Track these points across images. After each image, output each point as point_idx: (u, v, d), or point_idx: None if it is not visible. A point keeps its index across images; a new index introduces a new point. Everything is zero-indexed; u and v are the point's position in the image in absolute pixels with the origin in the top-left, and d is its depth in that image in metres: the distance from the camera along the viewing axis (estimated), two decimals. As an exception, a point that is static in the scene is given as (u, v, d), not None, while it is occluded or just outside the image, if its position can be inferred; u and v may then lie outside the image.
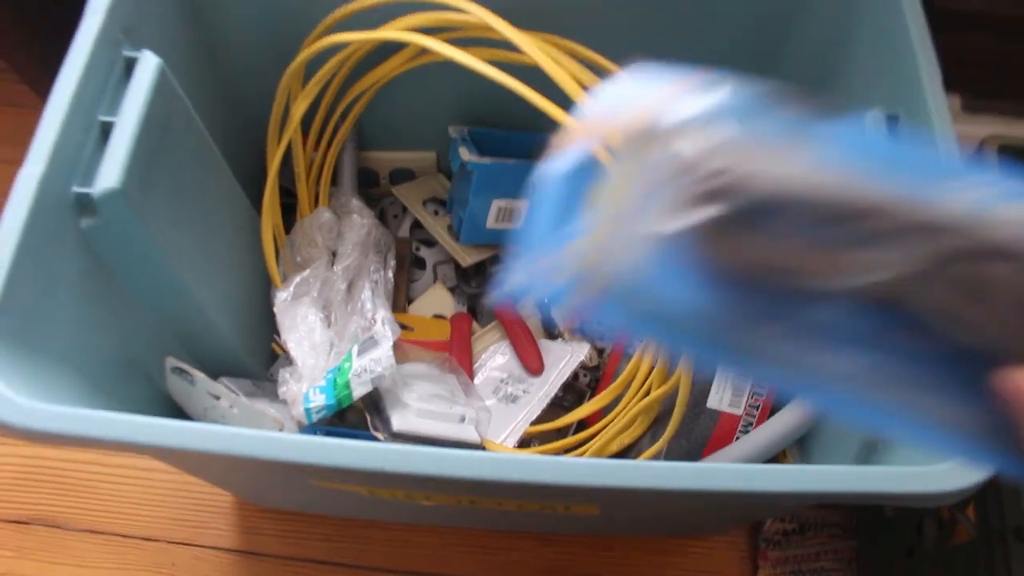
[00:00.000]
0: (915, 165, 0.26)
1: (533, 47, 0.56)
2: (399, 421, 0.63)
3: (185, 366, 0.59)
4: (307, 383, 0.65)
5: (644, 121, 0.26)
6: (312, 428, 0.63)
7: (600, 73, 0.63)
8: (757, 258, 0.24)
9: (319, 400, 0.62)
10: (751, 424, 0.66)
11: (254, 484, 0.66)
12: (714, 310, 0.25)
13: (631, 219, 0.25)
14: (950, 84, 0.89)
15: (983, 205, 0.24)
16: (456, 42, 0.59)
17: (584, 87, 0.57)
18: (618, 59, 0.65)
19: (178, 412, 0.61)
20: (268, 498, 0.72)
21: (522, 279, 0.26)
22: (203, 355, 0.65)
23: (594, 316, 0.26)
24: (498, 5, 0.59)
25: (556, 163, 0.27)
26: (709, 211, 0.24)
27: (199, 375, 0.59)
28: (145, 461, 0.77)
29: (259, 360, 0.72)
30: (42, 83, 0.91)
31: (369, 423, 0.64)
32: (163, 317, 0.60)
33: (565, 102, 0.55)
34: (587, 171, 0.27)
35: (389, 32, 0.60)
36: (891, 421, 0.25)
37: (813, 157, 0.25)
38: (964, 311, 0.23)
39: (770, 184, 0.24)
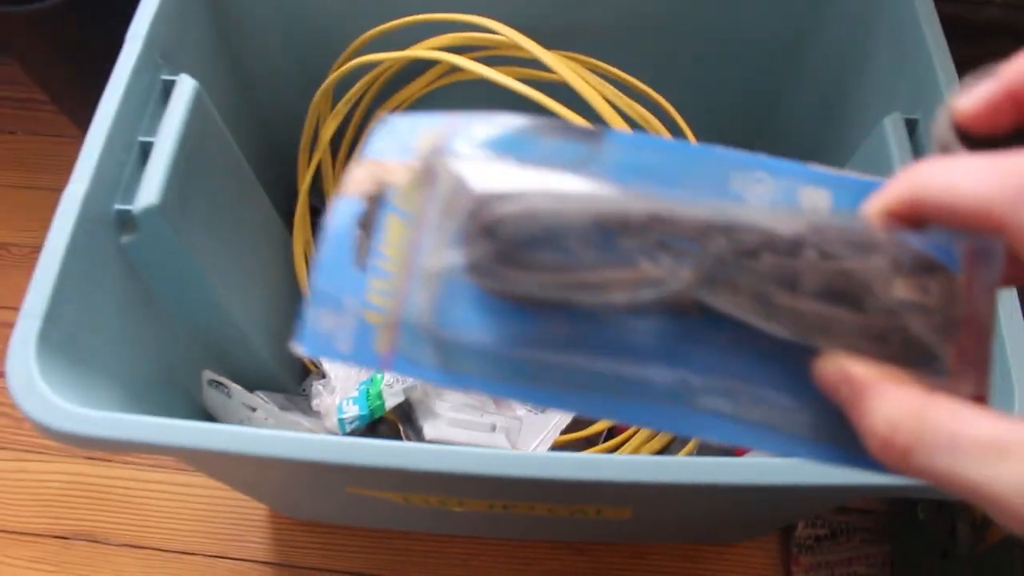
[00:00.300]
0: (701, 166, 0.25)
1: (561, 65, 0.57)
2: (431, 430, 0.64)
3: (222, 379, 0.61)
4: (340, 395, 0.66)
5: (419, 161, 0.26)
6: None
7: (624, 88, 0.65)
8: (543, 284, 0.23)
9: (352, 411, 0.64)
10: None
11: (290, 492, 0.67)
12: (517, 341, 0.24)
13: (416, 261, 0.25)
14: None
15: (767, 199, 0.24)
16: (483, 61, 0.60)
17: (609, 102, 0.59)
18: (640, 74, 0.66)
19: (215, 425, 0.63)
20: (303, 509, 0.73)
21: (321, 333, 0.25)
22: (237, 370, 0.67)
23: (397, 367, 0.24)
24: (524, 25, 0.61)
25: (341, 210, 0.26)
26: (483, 246, 0.23)
27: (235, 387, 0.61)
28: (182, 476, 0.79)
29: (291, 375, 0.74)
30: (81, 113, 0.94)
31: (401, 433, 0.65)
32: (199, 331, 0.62)
33: (593, 117, 0.57)
34: (373, 215, 0.26)
35: (419, 51, 0.62)
36: (732, 431, 0.24)
37: (585, 179, 0.24)
38: (771, 306, 0.23)
39: (540, 212, 0.23)
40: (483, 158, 0.25)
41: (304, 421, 0.66)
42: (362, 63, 0.64)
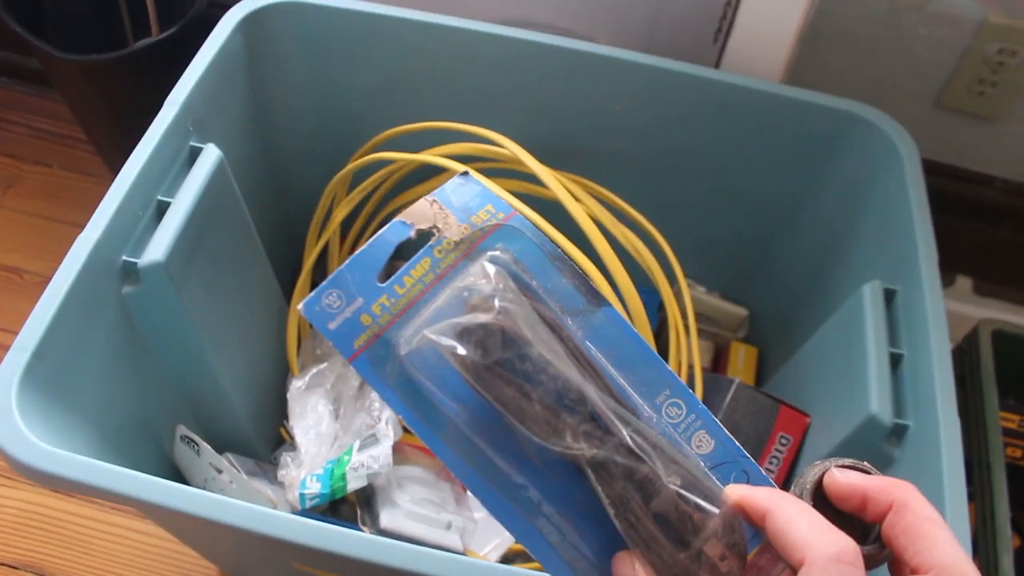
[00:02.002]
0: (649, 369, 0.32)
1: (556, 183, 0.61)
2: (387, 519, 0.64)
3: (194, 436, 0.62)
4: (306, 470, 0.68)
5: (467, 233, 0.31)
6: (304, 514, 0.65)
7: (622, 217, 0.68)
8: (498, 394, 0.29)
9: (314, 488, 0.65)
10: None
11: (239, 558, 0.68)
12: (451, 407, 0.30)
13: (423, 311, 0.30)
14: (964, 267, 0.93)
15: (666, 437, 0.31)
16: (490, 172, 0.64)
17: (601, 227, 0.62)
18: (640, 205, 0.69)
19: (180, 479, 0.64)
20: (251, 575, 0.74)
21: (323, 306, 0.30)
22: (213, 429, 0.68)
23: (358, 365, 0.30)
24: (537, 145, 0.65)
25: (396, 228, 0.31)
26: (468, 351, 0.29)
27: (205, 446, 0.62)
28: (139, 524, 0.79)
29: (265, 442, 0.75)
30: (115, 159, 0.99)
31: (359, 517, 0.66)
32: (182, 387, 0.64)
33: (580, 237, 0.60)
34: (411, 245, 0.32)
35: (430, 156, 0.65)
36: (545, 554, 0.30)
37: (570, 335, 0.31)
38: (625, 505, 0.29)
39: (526, 352, 0.29)
40: (502, 277, 0.31)
41: (268, 490, 0.67)
42: (379, 159, 0.67)
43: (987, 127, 0.84)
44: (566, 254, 0.55)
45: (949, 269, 0.93)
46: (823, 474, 0.31)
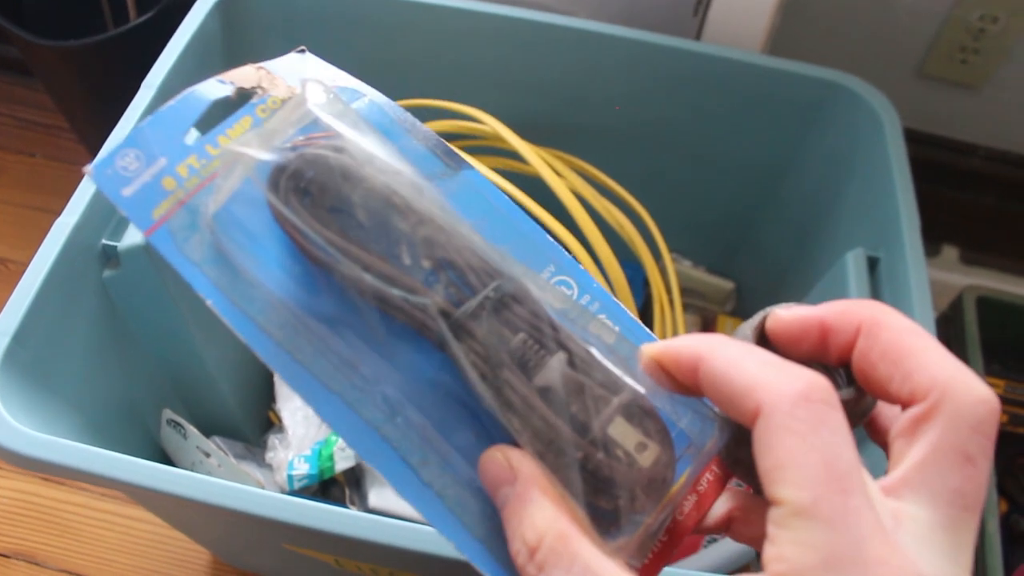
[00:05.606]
0: (528, 241, 0.26)
1: (536, 158, 0.61)
2: (376, 498, 0.65)
3: (180, 420, 0.62)
4: (294, 451, 0.68)
5: (296, 93, 0.27)
6: (293, 495, 0.65)
7: (607, 193, 0.68)
8: (318, 232, 0.24)
9: (302, 469, 0.65)
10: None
11: (229, 541, 0.68)
12: (275, 284, 0.24)
13: (241, 164, 0.25)
14: (949, 236, 0.93)
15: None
16: (471, 149, 0.64)
17: (584, 202, 0.62)
18: (626, 182, 0.69)
19: (167, 463, 0.64)
20: (242, 558, 0.74)
21: (117, 169, 0.24)
22: (200, 412, 0.68)
23: (156, 239, 0.24)
24: (512, 119, 0.64)
25: (210, 87, 0.26)
26: (291, 161, 0.24)
27: (192, 430, 0.62)
28: (130, 510, 0.79)
29: (254, 425, 0.75)
30: (99, 145, 0.98)
31: (347, 497, 0.66)
32: (167, 370, 0.64)
33: (565, 212, 0.59)
34: (233, 105, 0.27)
35: (410, 133, 0.65)
36: (405, 483, 0.23)
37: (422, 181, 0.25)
38: (494, 374, 0.22)
39: (349, 164, 0.24)
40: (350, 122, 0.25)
41: (256, 473, 0.67)
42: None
43: (970, 95, 0.83)
44: (546, 227, 0.54)
45: (935, 239, 0.93)
46: (765, 318, 0.24)
